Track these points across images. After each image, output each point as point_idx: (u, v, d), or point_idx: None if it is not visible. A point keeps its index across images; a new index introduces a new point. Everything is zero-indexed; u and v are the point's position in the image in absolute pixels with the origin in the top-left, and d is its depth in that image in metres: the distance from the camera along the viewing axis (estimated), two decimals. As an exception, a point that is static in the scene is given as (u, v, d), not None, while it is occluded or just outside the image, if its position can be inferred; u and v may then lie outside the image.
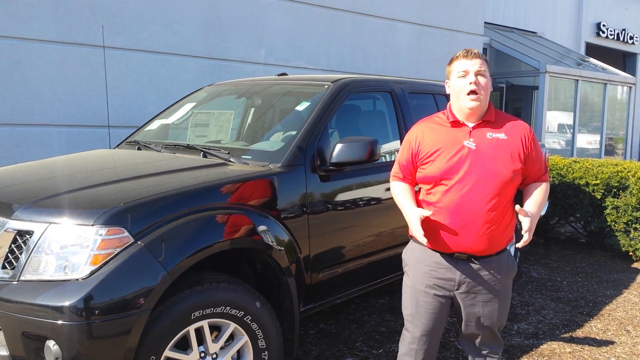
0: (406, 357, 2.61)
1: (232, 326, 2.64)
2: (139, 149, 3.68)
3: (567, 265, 5.93)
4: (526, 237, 2.32)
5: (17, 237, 2.39)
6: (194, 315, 2.49)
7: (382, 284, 3.92)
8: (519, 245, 2.32)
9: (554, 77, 11.91)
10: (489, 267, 2.41)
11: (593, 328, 4.21)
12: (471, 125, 2.36)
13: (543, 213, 5.88)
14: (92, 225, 2.31)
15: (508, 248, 2.51)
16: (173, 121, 4.18)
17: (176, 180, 2.77)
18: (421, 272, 2.49)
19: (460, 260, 2.40)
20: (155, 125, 4.11)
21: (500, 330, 2.60)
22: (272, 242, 2.80)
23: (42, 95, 5.31)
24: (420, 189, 2.53)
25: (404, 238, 3.67)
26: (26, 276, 2.31)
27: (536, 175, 2.43)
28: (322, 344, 3.75)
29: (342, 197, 3.33)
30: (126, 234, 2.33)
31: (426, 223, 2.35)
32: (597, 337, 4.04)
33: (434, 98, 4.43)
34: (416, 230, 2.33)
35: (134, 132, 4.11)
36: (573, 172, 6.43)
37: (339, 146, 3.17)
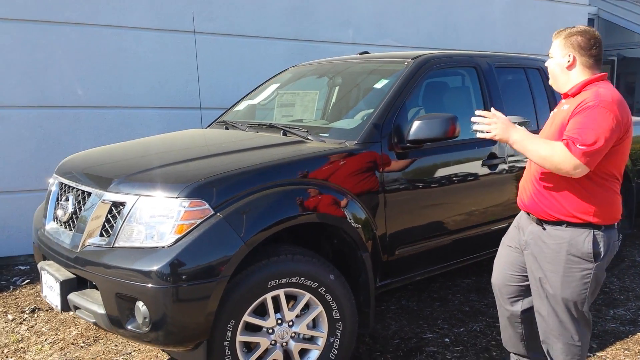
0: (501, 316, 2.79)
1: (307, 296, 2.74)
2: (226, 128, 3.87)
3: (678, 251, 5.48)
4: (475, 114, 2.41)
5: (113, 207, 2.63)
6: (271, 284, 2.62)
7: (465, 263, 3.86)
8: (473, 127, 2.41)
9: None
10: (554, 234, 2.38)
11: (701, 317, 3.89)
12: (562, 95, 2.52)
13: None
14: (177, 197, 2.49)
15: (590, 228, 2.34)
16: (259, 102, 4.34)
17: (255, 156, 2.90)
18: (510, 228, 2.72)
19: (532, 222, 2.49)
20: (242, 106, 4.29)
21: (574, 311, 2.42)
22: (346, 217, 2.86)
23: (143, 80, 5.68)
24: None
25: (486, 217, 3.66)
26: (120, 243, 2.54)
27: (562, 136, 2.26)
28: (403, 320, 3.78)
29: (420, 174, 3.31)
30: (207, 206, 2.48)
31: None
32: None
33: (525, 72, 4.25)
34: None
35: (224, 113, 4.32)
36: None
37: (416, 123, 3.15)
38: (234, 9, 6.14)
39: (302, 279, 2.69)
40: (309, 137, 3.24)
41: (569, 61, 2.39)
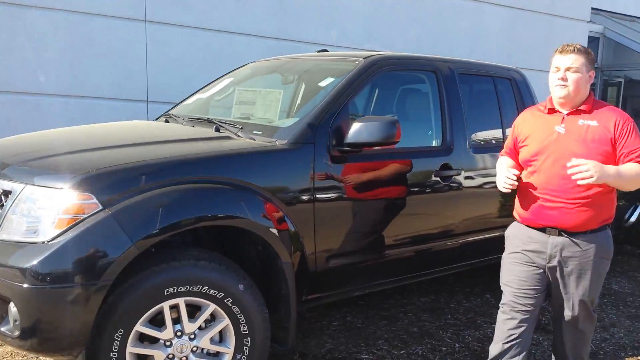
0: (500, 331, 2.83)
1: (212, 307, 2.49)
2: (166, 121, 3.64)
3: (659, 281, 5.16)
4: (570, 164, 2.41)
5: (2, 196, 2.40)
6: (168, 291, 2.37)
7: (415, 280, 3.60)
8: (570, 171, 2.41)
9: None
10: (580, 242, 2.57)
11: (669, 355, 3.58)
12: (565, 112, 2.60)
13: (634, 218, 5.20)
14: (61, 188, 2.25)
15: (607, 229, 2.64)
16: (215, 97, 4.10)
17: (165, 150, 2.66)
18: (515, 245, 2.73)
19: (553, 235, 2.59)
20: (192, 100, 4.05)
21: (593, 307, 2.74)
22: (261, 221, 2.61)
23: (111, 70, 5.48)
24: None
25: (437, 232, 3.39)
26: (2, 236, 2.30)
27: (630, 156, 2.49)
28: (341, 337, 3.50)
29: (359, 181, 3.05)
30: (94, 200, 2.24)
31: (522, 200, 2.70)
32: (670, 366, 3.43)
33: (494, 81, 3.98)
34: (500, 179, 2.66)
35: (174, 106, 4.09)
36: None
37: (355, 125, 2.90)
38: (213, 3, 5.94)
39: (206, 287, 2.44)
40: (238, 134, 2.99)
41: (590, 76, 2.57)
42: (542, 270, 2.67)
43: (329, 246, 2.95)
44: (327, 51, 4.10)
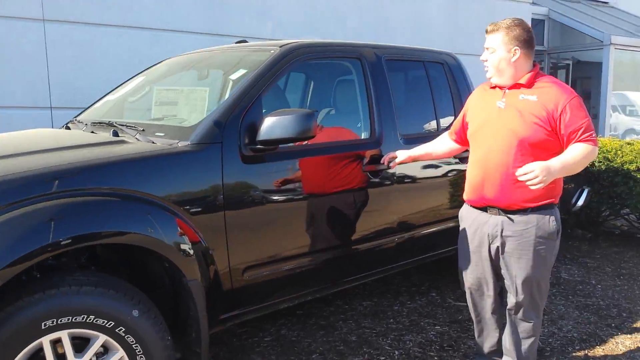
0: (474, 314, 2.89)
1: (102, 338, 2.17)
2: (67, 127, 3.28)
3: (610, 266, 5.03)
4: (519, 172, 2.37)
5: None
6: (46, 324, 2.04)
7: (349, 285, 3.34)
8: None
9: (620, 50, 10.57)
10: (519, 220, 2.52)
11: (619, 345, 3.42)
12: (506, 88, 2.56)
13: (581, 202, 5.06)
14: None
15: (551, 209, 2.57)
16: (123, 98, 3.74)
17: (43, 159, 2.30)
18: (465, 226, 2.75)
19: (494, 215, 2.58)
20: (102, 103, 3.69)
21: (540, 295, 2.67)
22: (158, 236, 2.29)
23: (26, 76, 5.03)
24: None
25: (367, 232, 3.15)
26: None
27: (573, 136, 2.43)
28: (272, 355, 3.21)
29: (276, 182, 2.77)
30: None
31: (467, 179, 2.69)
32: (621, 357, 3.25)
33: (425, 66, 3.75)
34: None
35: (82, 111, 3.72)
36: (622, 156, 5.47)
37: (268, 120, 2.62)
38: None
39: (92, 317, 2.12)
40: (137, 137, 2.66)
41: (514, 54, 2.50)
42: (487, 251, 2.66)
43: (245, 257, 2.67)
44: (247, 42, 3.79)
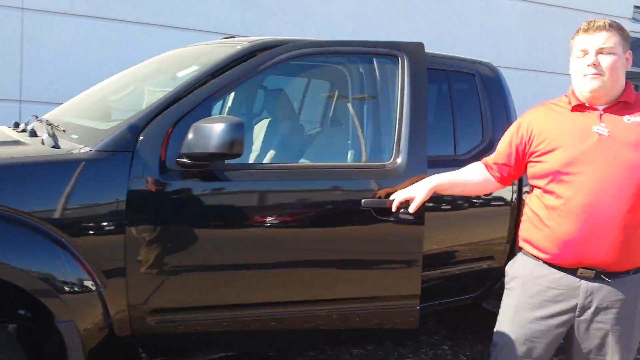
0: None
1: None
2: (16, 124, 2.91)
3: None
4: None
5: None
6: None
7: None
8: None
9: None
10: (622, 287, 1.93)
11: None
12: (601, 107, 1.96)
13: None
14: None
15: None
16: (110, 97, 3.34)
17: None
18: (531, 293, 2.03)
19: (586, 279, 1.94)
20: (71, 103, 3.29)
21: None
22: (17, 264, 1.80)
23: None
24: (531, 190, 2.09)
25: (324, 291, 2.35)
26: None
27: None
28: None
29: (208, 207, 2.21)
30: None
31: (544, 230, 1.98)
32: None
33: (447, 77, 3.06)
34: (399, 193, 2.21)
35: (58, 107, 3.35)
36: None
37: (191, 129, 2.08)
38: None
39: None
40: (43, 139, 2.21)
41: (627, 59, 1.96)
42: (563, 329, 2.01)
43: (149, 297, 2.11)
44: (235, 37, 3.27)
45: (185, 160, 2.10)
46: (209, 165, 2.15)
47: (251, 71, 2.34)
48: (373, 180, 2.40)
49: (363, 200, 2.31)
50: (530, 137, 2.05)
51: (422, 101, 2.49)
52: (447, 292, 3.10)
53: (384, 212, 2.33)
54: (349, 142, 2.73)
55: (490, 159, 2.20)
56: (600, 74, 1.90)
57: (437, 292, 2.98)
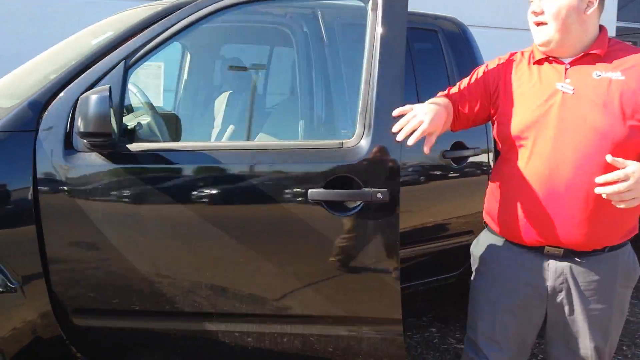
0: None
1: None
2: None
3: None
4: (600, 179, 1.53)
5: None
6: None
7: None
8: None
9: None
10: (597, 267, 1.72)
11: None
12: (567, 61, 1.69)
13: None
14: None
15: (628, 242, 1.80)
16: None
17: None
18: (499, 276, 1.82)
19: (554, 258, 1.73)
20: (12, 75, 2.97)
21: (612, 357, 1.87)
22: None
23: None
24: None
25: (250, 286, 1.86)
26: None
27: None
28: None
29: (110, 193, 1.89)
30: None
31: (503, 200, 1.78)
32: None
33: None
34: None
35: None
36: None
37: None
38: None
39: None
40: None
41: (588, 5, 1.64)
42: (537, 313, 1.79)
43: (75, 297, 1.88)
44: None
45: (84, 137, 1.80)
46: (117, 146, 1.86)
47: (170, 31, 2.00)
48: (326, 163, 1.86)
49: (310, 191, 1.82)
50: (489, 79, 1.79)
51: (399, 58, 1.83)
52: (428, 271, 2.88)
53: (340, 206, 1.83)
54: (298, 115, 2.46)
55: (448, 94, 1.84)
56: (543, 22, 1.64)
57: (416, 271, 2.78)
